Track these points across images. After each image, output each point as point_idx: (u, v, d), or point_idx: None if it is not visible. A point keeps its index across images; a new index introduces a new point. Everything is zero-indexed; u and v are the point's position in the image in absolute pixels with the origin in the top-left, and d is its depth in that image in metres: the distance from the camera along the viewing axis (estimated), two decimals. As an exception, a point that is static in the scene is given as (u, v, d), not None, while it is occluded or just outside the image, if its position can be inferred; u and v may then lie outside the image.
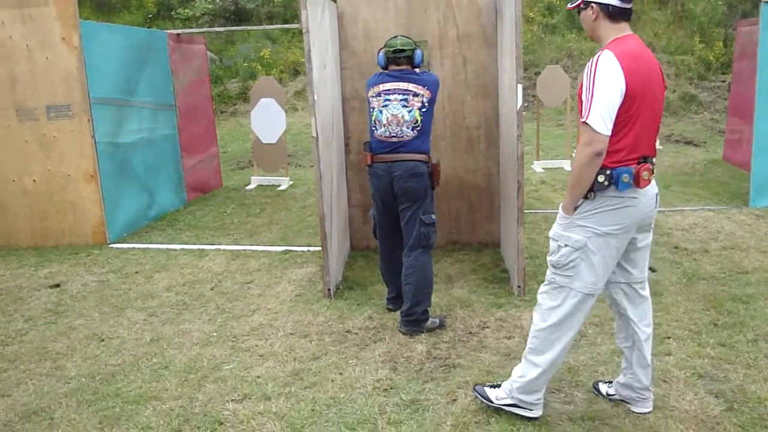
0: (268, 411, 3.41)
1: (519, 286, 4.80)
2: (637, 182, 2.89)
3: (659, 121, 3.06)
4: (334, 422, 3.29)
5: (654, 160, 2.99)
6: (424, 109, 4.26)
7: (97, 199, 6.64)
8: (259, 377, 3.78)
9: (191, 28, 15.23)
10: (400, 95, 4.26)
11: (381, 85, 4.33)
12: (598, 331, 4.21)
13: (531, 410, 3.22)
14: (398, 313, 4.42)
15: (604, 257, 3.01)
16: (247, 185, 9.53)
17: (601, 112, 2.79)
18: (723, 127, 11.57)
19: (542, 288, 3.18)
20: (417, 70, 4.39)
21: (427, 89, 4.27)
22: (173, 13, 17.14)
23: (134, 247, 6.55)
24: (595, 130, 2.81)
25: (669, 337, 4.08)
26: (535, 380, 3.17)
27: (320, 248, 4.95)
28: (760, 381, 3.52)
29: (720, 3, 15.09)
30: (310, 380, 3.72)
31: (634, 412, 3.29)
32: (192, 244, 6.62)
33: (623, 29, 2.98)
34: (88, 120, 6.49)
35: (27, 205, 6.75)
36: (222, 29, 14.10)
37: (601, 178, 2.89)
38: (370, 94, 4.40)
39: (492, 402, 3.29)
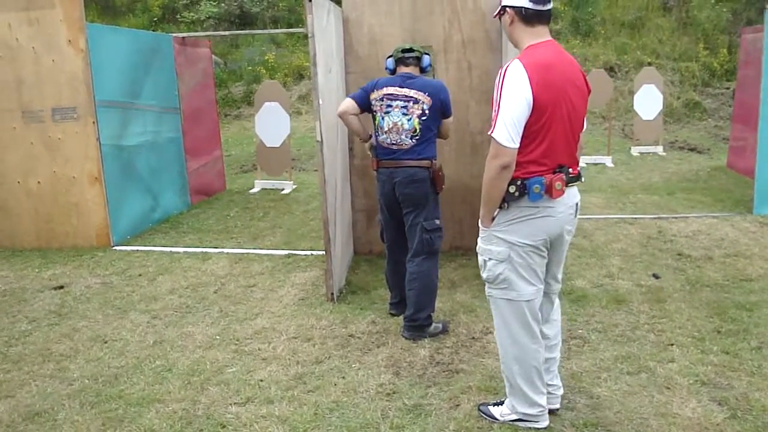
0: (271, 414, 3.42)
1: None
2: (550, 192, 2.89)
3: (580, 128, 3.04)
4: (337, 426, 3.29)
5: (571, 169, 2.97)
6: (424, 117, 4.23)
7: (102, 201, 6.65)
8: (262, 380, 3.78)
9: (196, 31, 15.25)
10: (402, 102, 4.26)
11: (385, 89, 4.32)
12: (602, 337, 4.21)
13: (537, 422, 3.22)
14: (401, 318, 4.43)
15: (530, 265, 3.02)
16: (251, 189, 9.53)
17: (507, 126, 2.79)
18: (727, 134, 11.57)
19: (492, 306, 3.21)
20: (424, 75, 4.40)
21: (427, 96, 4.23)
22: (178, 16, 17.16)
23: (138, 250, 6.56)
24: (500, 143, 2.81)
25: (672, 344, 4.08)
26: (520, 391, 3.17)
27: (323, 252, 4.95)
28: (764, 389, 3.52)
29: (725, 10, 15.08)
30: (313, 384, 3.72)
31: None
32: (195, 247, 6.62)
33: (540, 34, 2.95)
34: (93, 122, 6.51)
35: (31, 207, 6.77)
36: (227, 33, 14.13)
37: (512, 189, 2.89)
38: (373, 96, 4.36)
39: (497, 419, 3.28)
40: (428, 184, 4.28)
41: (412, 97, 4.25)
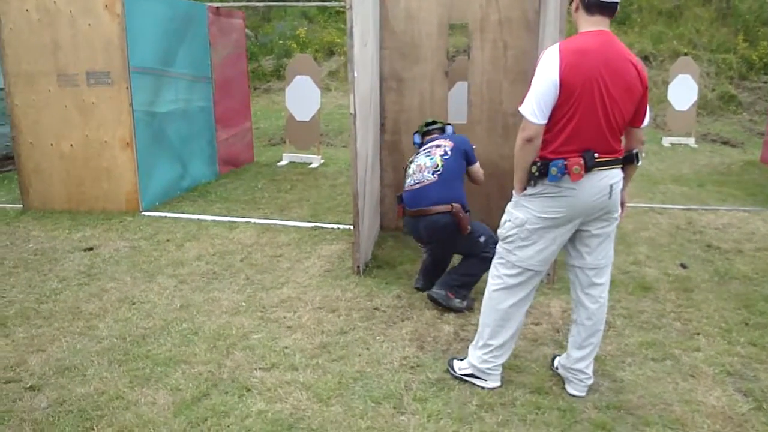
0: (295, 381, 3.45)
1: (548, 274, 4.78)
2: (569, 175, 3.01)
3: (622, 118, 3.05)
4: (360, 395, 3.32)
5: (597, 154, 3.00)
6: (446, 156, 4.43)
7: (132, 166, 6.72)
8: (286, 348, 3.82)
9: (229, 2, 15.25)
10: (425, 152, 4.56)
11: (415, 161, 4.62)
12: (627, 323, 4.19)
13: (485, 380, 3.38)
14: (426, 293, 4.44)
15: (542, 239, 3.17)
16: (279, 161, 9.57)
17: (533, 102, 2.98)
18: (762, 128, 11.38)
19: (493, 259, 3.38)
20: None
21: (449, 140, 4.56)
22: (211, -13, 17.18)
23: (166, 216, 6.63)
24: (525, 117, 3.00)
25: (698, 333, 4.04)
26: (481, 343, 3.36)
27: (350, 226, 4.97)
28: (791, 381, 3.49)
29: (767, 1, 14.76)
30: (338, 354, 3.75)
31: (566, 391, 3.37)
32: (223, 215, 6.68)
33: (598, 23, 3.05)
34: (127, 88, 6.56)
35: (63, 169, 6.86)
36: (261, 4, 14.09)
37: (533, 169, 3.06)
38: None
39: (456, 372, 3.47)
40: (452, 228, 4.27)
41: (434, 145, 4.56)
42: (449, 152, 4.44)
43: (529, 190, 3.13)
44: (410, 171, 4.56)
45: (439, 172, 4.35)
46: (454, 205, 4.27)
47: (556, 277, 4.79)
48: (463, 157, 4.51)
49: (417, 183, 4.41)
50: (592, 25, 3.04)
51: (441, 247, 4.46)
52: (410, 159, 4.74)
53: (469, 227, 4.28)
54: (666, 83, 11.80)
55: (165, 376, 3.52)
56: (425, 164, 4.43)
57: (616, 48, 3.02)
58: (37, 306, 4.45)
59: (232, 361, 3.68)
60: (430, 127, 4.85)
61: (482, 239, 4.32)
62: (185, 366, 3.62)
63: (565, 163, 2.99)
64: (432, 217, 4.29)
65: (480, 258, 4.29)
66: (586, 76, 2.93)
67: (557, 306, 4.41)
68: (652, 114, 12.64)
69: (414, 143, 4.93)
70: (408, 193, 4.47)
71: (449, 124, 4.90)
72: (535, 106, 2.96)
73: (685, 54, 13.22)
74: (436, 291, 4.30)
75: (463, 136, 4.77)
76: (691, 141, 11.18)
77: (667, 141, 11.18)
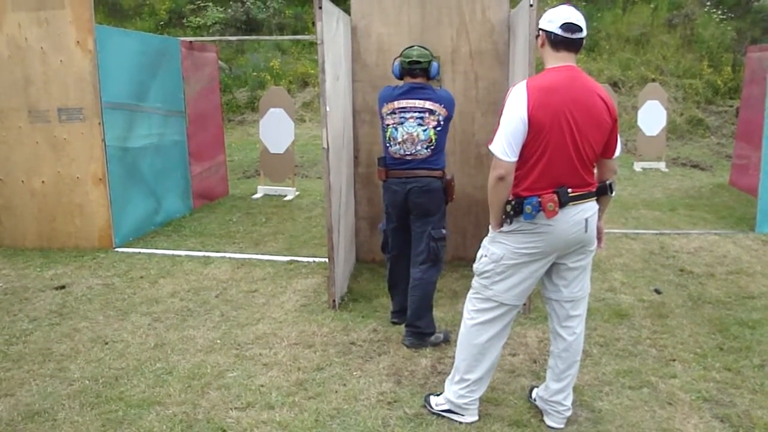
0: (271, 420, 3.41)
1: (524, 304, 4.79)
2: (543, 212, 3.03)
3: (592, 152, 3.09)
4: (338, 433, 3.29)
5: (570, 189, 3.03)
6: (439, 128, 4.26)
7: (105, 202, 6.65)
8: (262, 386, 3.78)
9: (202, 36, 15.31)
10: (417, 113, 4.26)
11: (396, 102, 4.32)
12: (603, 351, 4.20)
13: (463, 415, 3.37)
14: (403, 326, 4.42)
15: (518, 273, 3.18)
16: (254, 194, 9.54)
17: (502, 140, 3.00)
18: (729, 151, 11.59)
19: (469, 293, 3.39)
20: (433, 83, 4.43)
21: (443, 107, 4.27)
22: (185, 21, 17.23)
23: (140, 252, 6.56)
24: (495, 155, 3.03)
25: (674, 360, 4.07)
26: (457, 378, 3.36)
27: (325, 259, 4.94)
28: (767, 407, 3.51)
29: (729, 29, 15.15)
30: (314, 391, 3.71)
31: (545, 423, 3.37)
32: (197, 251, 6.62)
33: (564, 59, 3.09)
34: (99, 123, 6.51)
35: (35, 206, 6.77)
36: (234, 38, 14.15)
37: (508, 207, 3.08)
38: (384, 110, 4.37)
39: (433, 408, 3.46)
40: (441, 194, 4.31)
41: (428, 108, 4.26)
42: (442, 123, 4.27)
43: (505, 227, 3.14)
44: (398, 136, 4.27)
45: (432, 147, 4.27)
46: (446, 172, 4.33)
47: (532, 306, 4.81)
48: (451, 122, 4.39)
49: (408, 154, 4.28)
50: (559, 60, 3.08)
51: (419, 212, 4.32)
52: (390, 109, 4.32)
53: (453, 197, 4.38)
54: (635, 109, 12.00)
55: (138, 418, 3.45)
56: (418, 136, 4.24)
57: (583, 82, 3.06)
58: (6, 348, 4.36)
59: (207, 401, 3.63)
60: (414, 67, 4.30)
61: (444, 231, 4.36)
62: (159, 407, 3.56)
63: (539, 200, 3.01)
64: (425, 179, 4.27)
65: (429, 266, 4.34)
66: (555, 113, 2.96)
67: (534, 336, 4.42)
68: (623, 139, 12.85)
69: (393, 72, 4.42)
70: (396, 160, 4.35)
71: (435, 59, 4.39)
72: (505, 144, 2.99)
73: (653, 80, 13.48)
74: (409, 341, 4.30)
75: (449, 95, 4.40)
76: (661, 165, 11.35)
77: (638, 166, 11.34)
